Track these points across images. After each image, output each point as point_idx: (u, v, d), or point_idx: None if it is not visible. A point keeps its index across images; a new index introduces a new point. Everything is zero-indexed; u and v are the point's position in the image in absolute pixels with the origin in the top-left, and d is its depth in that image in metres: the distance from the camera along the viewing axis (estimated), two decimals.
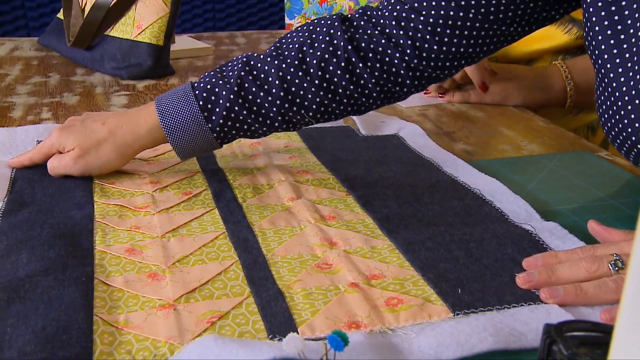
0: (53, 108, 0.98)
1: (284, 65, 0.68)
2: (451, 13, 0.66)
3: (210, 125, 0.68)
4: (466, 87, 1.06)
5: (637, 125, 0.59)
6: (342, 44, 0.68)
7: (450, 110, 1.03)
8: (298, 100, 0.69)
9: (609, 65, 0.61)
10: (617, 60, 0.61)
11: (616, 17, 0.60)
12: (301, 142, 0.86)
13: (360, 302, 0.50)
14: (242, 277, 0.54)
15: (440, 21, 0.67)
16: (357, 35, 0.69)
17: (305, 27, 0.71)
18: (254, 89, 0.68)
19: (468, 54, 0.69)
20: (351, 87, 0.69)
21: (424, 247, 0.58)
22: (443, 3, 0.66)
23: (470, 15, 0.66)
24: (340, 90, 0.69)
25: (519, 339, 0.46)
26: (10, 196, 0.67)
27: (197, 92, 0.68)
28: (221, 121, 0.68)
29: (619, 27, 0.60)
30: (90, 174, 0.71)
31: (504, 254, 0.57)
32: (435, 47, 0.68)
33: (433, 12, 0.67)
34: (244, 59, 0.69)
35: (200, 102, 0.68)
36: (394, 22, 0.69)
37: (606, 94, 0.63)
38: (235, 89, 0.67)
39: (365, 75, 0.69)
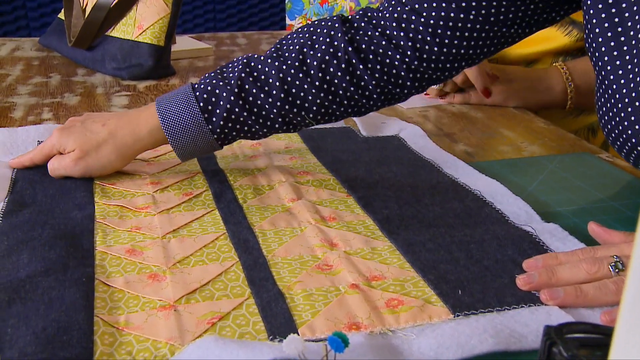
0: (54, 108, 0.98)
1: (284, 67, 0.68)
2: (451, 15, 0.66)
3: (210, 126, 0.68)
4: (467, 89, 1.06)
5: (637, 127, 0.59)
6: (342, 45, 0.68)
7: (450, 112, 1.03)
8: (298, 101, 0.69)
9: (609, 67, 0.61)
10: (618, 62, 0.61)
11: (616, 19, 0.60)
12: (302, 143, 0.86)
13: (360, 304, 0.50)
14: (243, 278, 0.54)
15: (441, 23, 0.67)
16: (358, 37, 0.69)
17: (305, 29, 0.71)
18: (254, 91, 0.68)
19: (468, 55, 0.69)
20: (351, 88, 0.69)
21: (424, 249, 0.58)
22: (443, 5, 0.66)
23: (471, 17, 0.66)
24: (340, 92, 0.69)
25: (519, 341, 0.46)
26: (11, 197, 0.67)
27: (197, 93, 0.68)
28: (221, 122, 0.68)
29: (620, 29, 0.60)
30: (90, 175, 0.71)
31: (505, 255, 0.57)
32: (435, 48, 0.68)
33: (433, 14, 0.67)
34: (245, 60, 0.69)
35: (201, 104, 0.68)
36: (394, 24, 0.69)
37: (606, 95, 0.63)
38: (236, 90, 0.67)
39: (366, 77, 0.69)
